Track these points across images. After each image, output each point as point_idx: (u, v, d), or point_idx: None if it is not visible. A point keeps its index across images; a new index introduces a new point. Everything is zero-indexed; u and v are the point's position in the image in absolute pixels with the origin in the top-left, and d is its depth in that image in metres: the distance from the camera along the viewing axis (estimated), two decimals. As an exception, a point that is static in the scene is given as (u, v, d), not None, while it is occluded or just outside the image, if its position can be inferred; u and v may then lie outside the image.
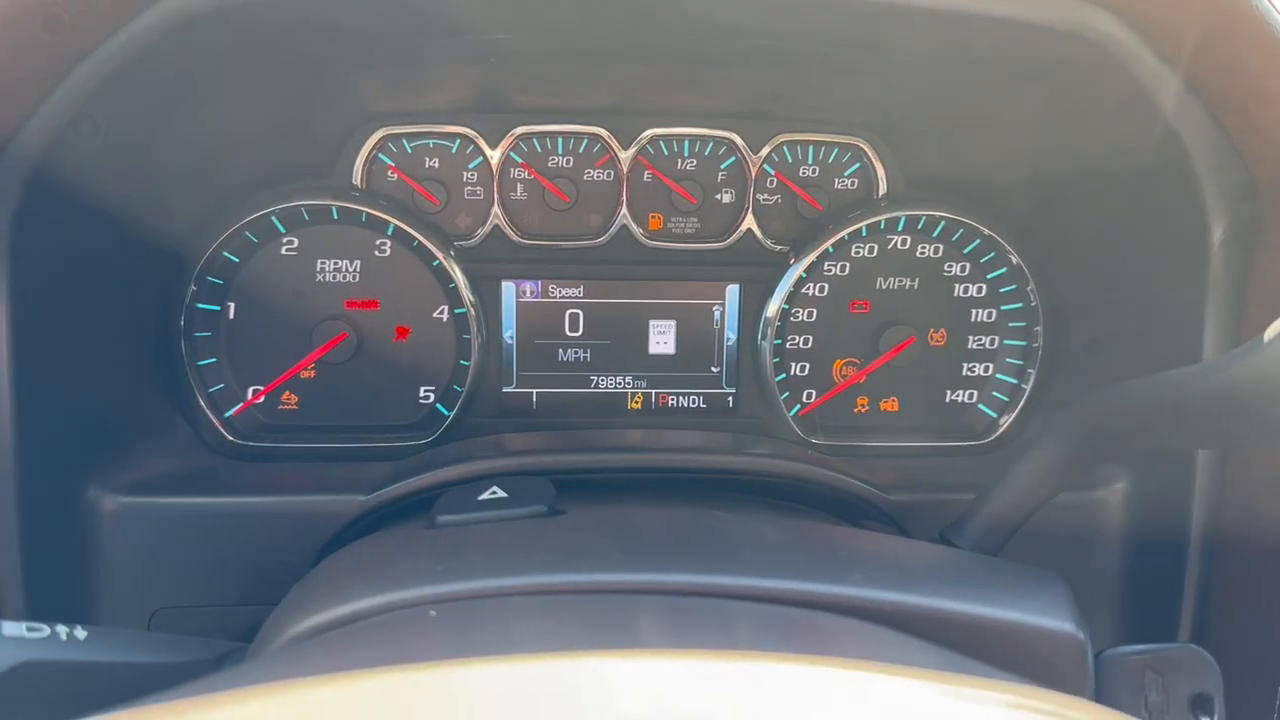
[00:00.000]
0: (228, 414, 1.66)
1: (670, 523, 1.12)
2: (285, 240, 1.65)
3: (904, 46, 1.34)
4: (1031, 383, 1.73)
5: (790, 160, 1.73)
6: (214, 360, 1.65)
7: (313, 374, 1.68)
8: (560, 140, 1.70)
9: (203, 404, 1.64)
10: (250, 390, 1.68)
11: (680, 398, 1.78)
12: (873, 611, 0.90)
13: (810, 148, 1.73)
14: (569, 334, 1.75)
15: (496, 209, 1.70)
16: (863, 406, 1.78)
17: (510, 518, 1.09)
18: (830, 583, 0.91)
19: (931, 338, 1.75)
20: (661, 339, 1.75)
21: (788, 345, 1.75)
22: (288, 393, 1.69)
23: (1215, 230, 1.31)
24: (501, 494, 1.14)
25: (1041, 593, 0.98)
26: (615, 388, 1.77)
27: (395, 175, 1.68)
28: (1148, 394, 1.12)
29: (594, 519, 1.11)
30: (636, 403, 1.78)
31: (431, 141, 1.68)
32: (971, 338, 1.76)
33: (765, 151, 1.72)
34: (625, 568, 0.92)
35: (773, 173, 1.73)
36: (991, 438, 1.75)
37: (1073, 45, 1.22)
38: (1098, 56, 1.22)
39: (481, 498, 1.13)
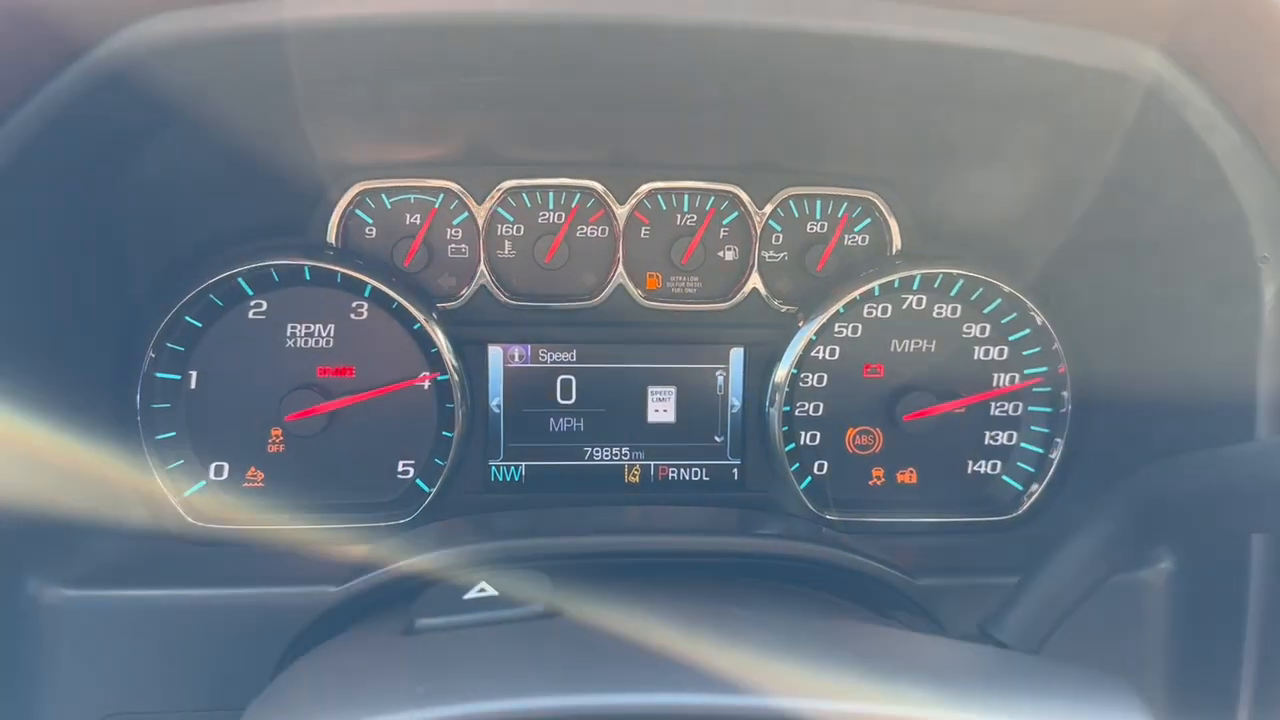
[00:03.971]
0: (188, 493, 1.52)
1: (687, 625, 0.98)
2: (253, 303, 1.54)
3: (926, 90, 1.23)
4: (1059, 452, 1.62)
5: (797, 215, 1.62)
6: (173, 434, 1.52)
7: (281, 448, 1.55)
8: (551, 194, 1.59)
9: (161, 482, 1.50)
10: (212, 467, 1.54)
11: (681, 470, 1.65)
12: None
13: (818, 202, 1.63)
14: (561, 402, 1.62)
15: (483, 268, 1.58)
16: (878, 478, 1.65)
17: (503, 620, 0.96)
18: (884, 701, 0.77)
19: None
20: (661, 407, 1.64)
21: (797, 412, 1.64)
22: (253, 469, 1.55)
23: (1269, 287, 1.21)
24: (491, 591, 1.00)
25: (1113, 704, 0.86)
26: (611, 460, 1.64)
27: (373, 233, 1.56)
28: (1213, 471, 1.03)
29: (599, 622, 0.97)
30: (634, 475, 1.65)
31: (413, 196, 1.57)
32: (994, 404, 1.64)
33: (770, 207, 1.61)
34: (643, 686, 0.79)
35: (778, 229, 1.62)
36: (1018, 512, 1.63)
37: (1117, 87, 1.12)
38: (1144, 99, 1.12)
39: (468, 596, 1.00)
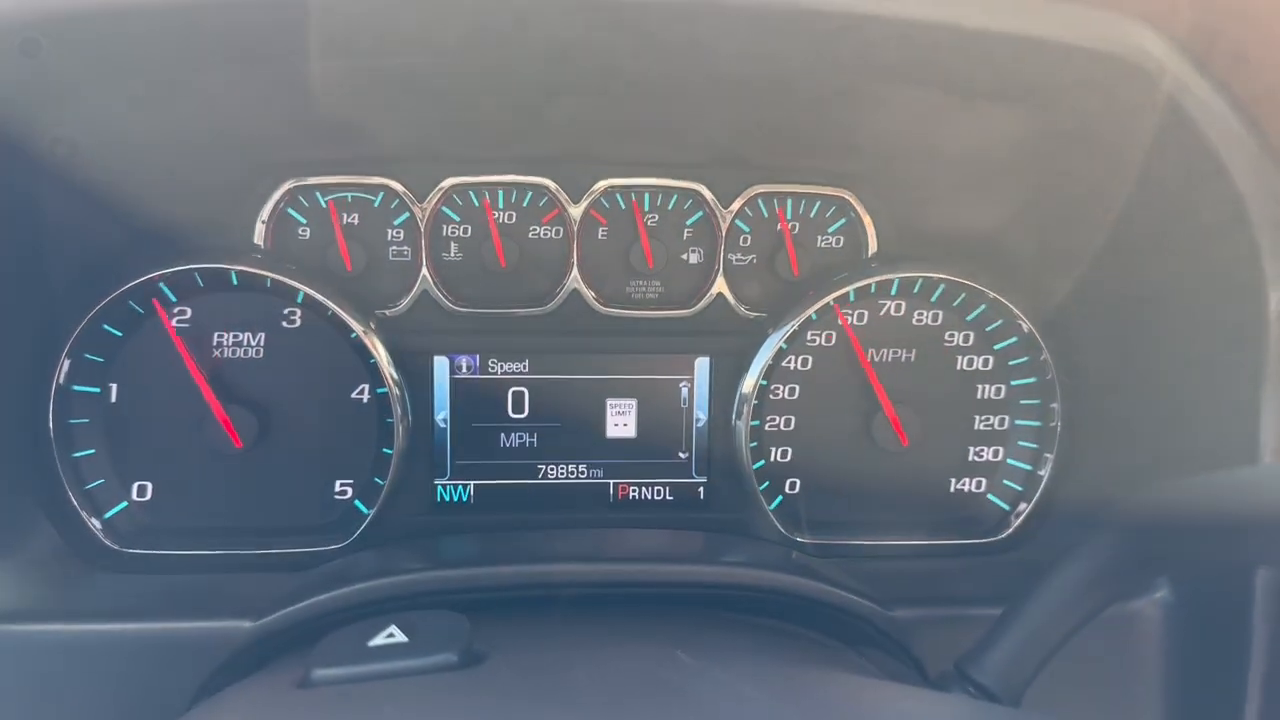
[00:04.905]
0: (109, 514, 1.43)
1: (621, 677, 0.87)
2: (176, 310, 1.44)
3: (908, 76, 1.14)
4: (1049, 469, 1.52)
5: (766, 215, 1.53)
6: (92, 451, 1.43)
7: (209, 466, 1.45)
8: (500, 193, 1.50)
9: (76, 504, 1.41)
10: (135, 487, 1.45)
11: (643, 489, 1.56)
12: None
13: (789, 201, 1.53)
14: (512, 416, 1.53)
15: (426, 272, 1.49)
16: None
17: (407, 672, 0.84)
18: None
19: (932, 418, 1.54)
20: (620, 420, 1.54)
21: (767, 427, 1.54)
22: (179, 489, 1.46)
23: (1275, 293, 1.12)
24: (401, 637, 0.89)
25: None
26: (567, 478, 1.55)
27: (306, 233, 1.47)
28: (1217, 497, 0.94)
29: (519, 673, 0.86)
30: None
31: (349, 194, 1.47)
32: (978, 417, 1.55)
33: (737, 205, 1.51)
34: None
35: (746, 229, 1.52)
36: (1004, 534, 1.54)
37: (1111, 70, 1.02)
38: (1139, 83, 1.03)
39: (374, 643, 0.88)
